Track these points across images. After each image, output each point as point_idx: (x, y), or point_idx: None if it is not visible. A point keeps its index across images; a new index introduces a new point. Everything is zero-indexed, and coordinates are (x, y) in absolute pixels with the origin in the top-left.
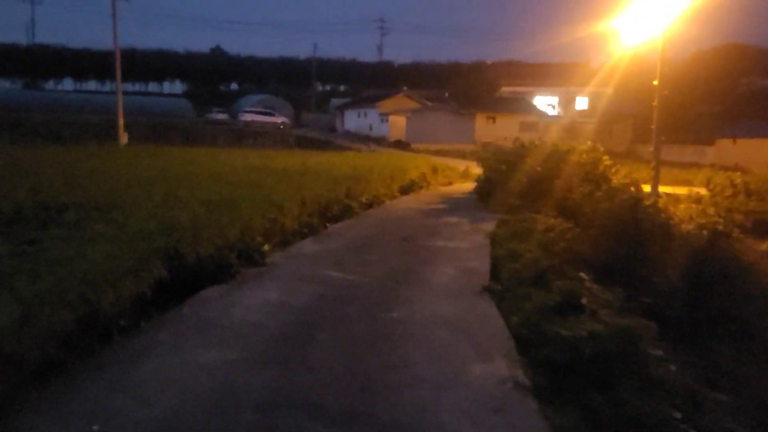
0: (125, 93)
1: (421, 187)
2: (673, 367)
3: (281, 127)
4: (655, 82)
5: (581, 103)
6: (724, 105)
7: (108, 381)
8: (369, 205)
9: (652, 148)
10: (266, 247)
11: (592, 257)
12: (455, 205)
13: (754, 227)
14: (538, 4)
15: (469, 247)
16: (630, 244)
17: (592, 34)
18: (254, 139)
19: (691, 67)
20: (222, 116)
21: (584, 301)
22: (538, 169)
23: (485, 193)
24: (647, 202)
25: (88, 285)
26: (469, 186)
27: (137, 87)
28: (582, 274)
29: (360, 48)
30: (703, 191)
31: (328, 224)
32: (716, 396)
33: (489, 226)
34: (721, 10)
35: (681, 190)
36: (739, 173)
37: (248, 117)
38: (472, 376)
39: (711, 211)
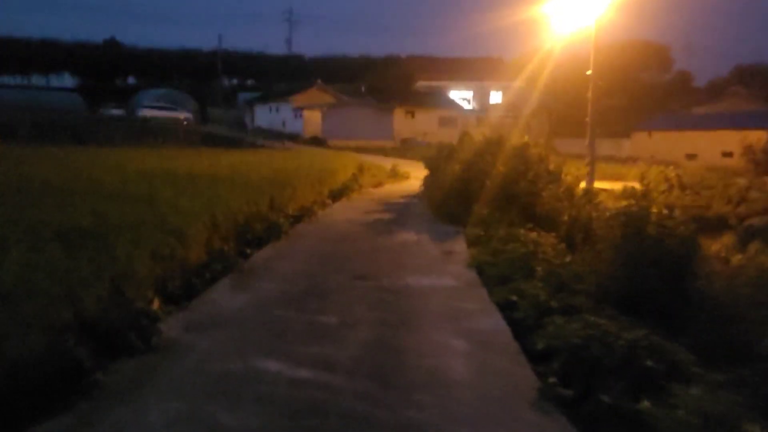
0: (1, 86)
1: (353, 191)
2: None
3: (185, 123)
4: (589, 72)
5: (496, 97)
6: (630, 99)
7: None
8: (298, 219)
9: (587, 142)
10: (156, 306)
11: (606, 288)
12: (402, 214)
13: (694, 223)
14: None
15: (455, 286)
16: (661, 275)
17: (506, 27)
18: (155, 137)
19: (596, 62)
20: (118, 112)
21: None
22: (501, 169)
23: (438, 199)
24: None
25: None
26: (403, 187)
27: (18, 80)
28: (688, 357)
29: (268, 41)
30: (637, 186)
31: (249, 250)
32: None
33: (459, 245)
34: (622, 8)
35: (616, 186)
36: (672, 167)
37: (148, 113)
38: None
39: (654, 209)
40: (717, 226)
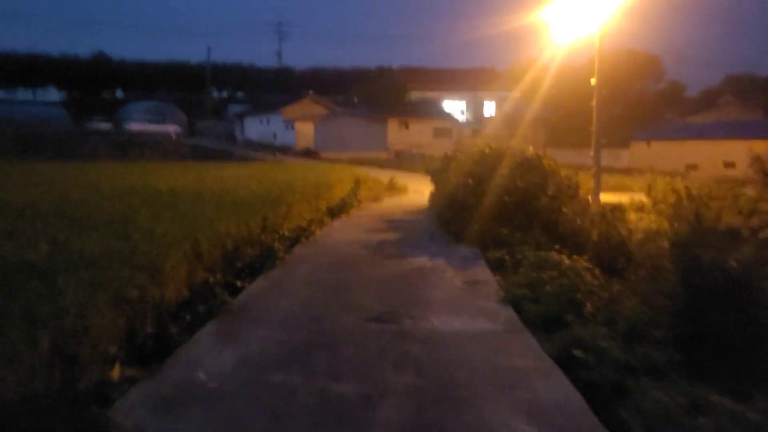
0: None
1: (352, 207)
2: None
3: (173, 136)
4: (593, 81)
5: (490, 108)
6: (624, 109)
7: None
8: (295, 240)
9: (591, 152)
10: (115, 374)
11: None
12: (409, 233)
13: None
14: (434, 8)
15: (493, 331)
16: (730, 311)
17: (498, 37)
18: (141, 150)
19: (588, 72)
20: (106, 126)
21: None
22: (519, 183)
23: (448, 216)
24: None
25: None
26: (403, 201)
27: (3, 95)
28: None
29: (257, 53)
30: (643, 198)
31: (239, 282)
32: None
33: (482, 273)
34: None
35: (622, 198)
36: (679, 178)
37: (135, 126)
38: None
39: (666, 223)
40: (730, 238)
